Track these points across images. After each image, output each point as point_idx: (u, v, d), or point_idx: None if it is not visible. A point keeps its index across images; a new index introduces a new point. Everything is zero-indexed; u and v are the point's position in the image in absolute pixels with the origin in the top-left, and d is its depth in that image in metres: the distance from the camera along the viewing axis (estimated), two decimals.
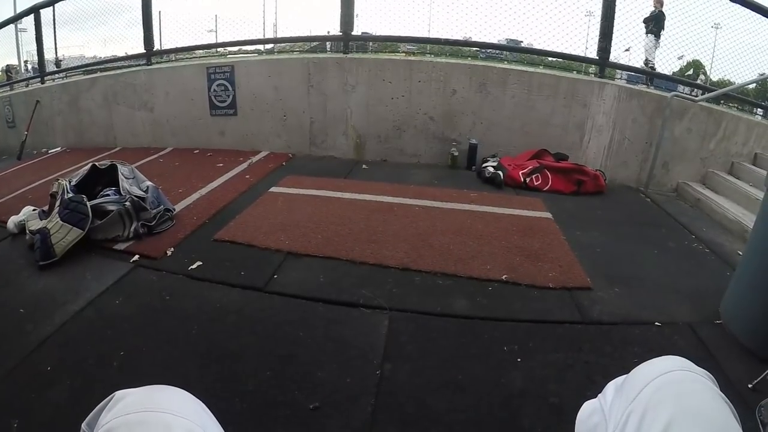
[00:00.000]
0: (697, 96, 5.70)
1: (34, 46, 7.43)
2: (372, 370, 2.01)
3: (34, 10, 7.14)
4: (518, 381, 2.01)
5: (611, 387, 0.96)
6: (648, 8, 7.98)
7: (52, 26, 7.76)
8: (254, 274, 2.77)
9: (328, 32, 6.66)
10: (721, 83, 7.18)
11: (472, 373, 2.04)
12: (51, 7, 7.39)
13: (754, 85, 7.62)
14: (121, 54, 8.34)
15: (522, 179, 4.74)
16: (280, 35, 8.58)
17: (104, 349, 2.11)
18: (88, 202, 3.11)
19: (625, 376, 0.93)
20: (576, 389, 1.94)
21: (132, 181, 3.44)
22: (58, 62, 8.44)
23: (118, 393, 0.79)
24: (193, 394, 0.84)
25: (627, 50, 6.60)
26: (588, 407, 1.02)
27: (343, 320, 2.36)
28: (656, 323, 2.52)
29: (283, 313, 2.41)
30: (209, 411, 0.83)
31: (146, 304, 2.50)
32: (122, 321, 2.34)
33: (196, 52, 7.25)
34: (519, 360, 2.14)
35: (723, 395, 0.81)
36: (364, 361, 2.07)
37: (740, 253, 3.09)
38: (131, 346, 2.14)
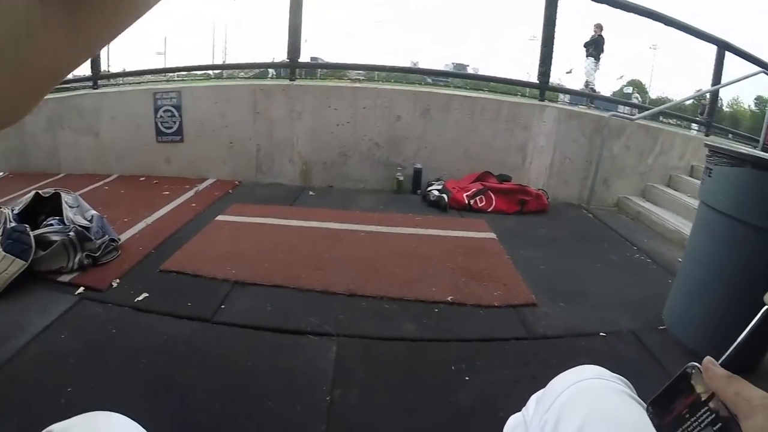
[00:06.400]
0: (634, 114, 5.97)
1: None
2: (322, 397, 2.04)
3: None
4: (467, 399, 2.07)
5: (533, 399, 1.01)
6: (588, 33, 8.37)
7: None
8: (201, 304, 2.76)
9: (273, 59, 6.69)
10: (660, 101, 7.55)
11: (421, 395, 2.10)
12: None
13: (692, 101, 8.03)
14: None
15: (466, 201, 4.86)
16: (229, 60, 8.60)
17: (51, 386, 2.08)
18: (31, 232, 3.05)
19: (545, 388, 0.98)
20: (524, 403, 2.02)
21: (76, 210, 3.39)
22: None
23: (55, 427, 0.79)
24: (144, 428, 0.85)
25: (569, 72, 6.89)
26: (512, 421, 1.07)
27: (291, 348, 2.39)
28: (601, 333, 2.64)
29: (231, 344, 2.42)
30: None
31: (92, 337, 2.46)
32: (68, 356, 2.30)
33: (144, 76, 7.17)
34: (467, 378, 2.21)
35: (638, 399, 0.85)
36: (314, 388, 2.10)
37: (680, 260, 3.26)
38: (78, 382, 2.11)
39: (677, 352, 2.51)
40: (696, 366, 0.61)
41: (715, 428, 0.54)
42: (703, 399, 0.57)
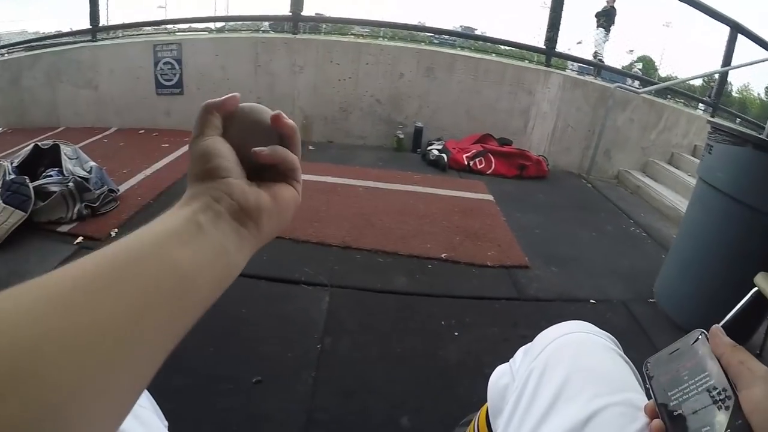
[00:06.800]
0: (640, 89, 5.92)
1: None
2: (313, 345, 2.08)
3: None
4: (454, 354, 2.11)
5: (521, 351, 1.00)
6: (601, 3, 8.26)
7: None
8: None
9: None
10: (668, 79, 7.49)
11: (410, 347, 2.13)
12: None
13: (700, 82, 7.97)
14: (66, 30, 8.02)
15: (466, 162, 4.85)
16: (232, 14, 8.47)
17: None
18: (30, 184, 3.06)
19: (533, 341, 0.96)
20: None
21: (75, 162, 3.39)
22: None
23: None
24: None
25: (579, 43, 6.83)
26: (499, 371, 1.05)
27: (285, 297, 2.42)
28: (591, 301, 2.67)
29: (226, 291, 2.43)
30: None
31: None
32: None
33: (144, 29, 7.05)
34: (456, 334, 2.24)
35: (624, 356, 0.84)
36: (305, 336, 2.14)
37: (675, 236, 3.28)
38: None
39: (665, 326, 2.54)
40: (703, 332, 0.62)
41: (712, 394, 0.55)
42: (704, 364, 0.58)
